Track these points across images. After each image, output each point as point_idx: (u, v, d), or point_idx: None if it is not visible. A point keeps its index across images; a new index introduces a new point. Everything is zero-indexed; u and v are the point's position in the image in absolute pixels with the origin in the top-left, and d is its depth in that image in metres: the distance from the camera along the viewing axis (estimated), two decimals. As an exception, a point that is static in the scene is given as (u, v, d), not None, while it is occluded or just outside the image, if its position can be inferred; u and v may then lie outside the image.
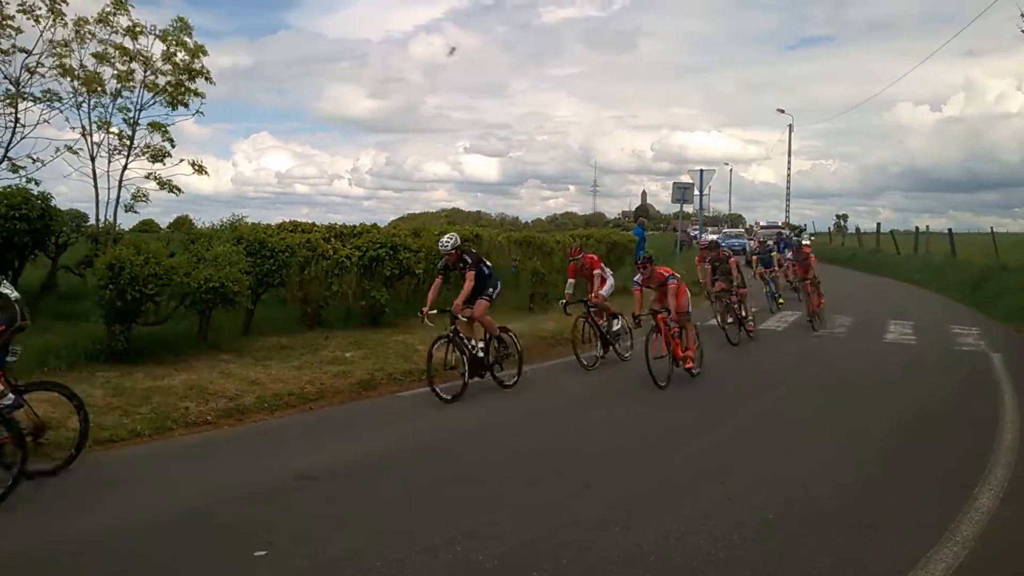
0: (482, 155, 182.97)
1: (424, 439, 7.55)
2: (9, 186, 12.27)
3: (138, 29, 13.06)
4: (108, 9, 12.75)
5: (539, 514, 5.50)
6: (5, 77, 12.07)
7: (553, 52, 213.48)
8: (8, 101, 12.03)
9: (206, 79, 13.84)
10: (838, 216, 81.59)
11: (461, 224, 24.40)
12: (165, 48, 13.33)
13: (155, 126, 13.60)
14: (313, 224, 14.92)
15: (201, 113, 13.97)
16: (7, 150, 12.02)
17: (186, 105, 13.83)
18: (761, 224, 46.30)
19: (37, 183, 12.64)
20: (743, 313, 13.77)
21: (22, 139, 12.14)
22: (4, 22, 11.70)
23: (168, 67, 13.49)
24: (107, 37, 12.93)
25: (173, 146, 13.81)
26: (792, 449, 7.26)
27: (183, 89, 13.64)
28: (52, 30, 12.30)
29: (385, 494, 5.98)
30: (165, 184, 13.95)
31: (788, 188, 55.90)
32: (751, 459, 6.92)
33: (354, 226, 15.76)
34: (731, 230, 55.26)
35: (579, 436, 7.70)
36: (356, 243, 13.78)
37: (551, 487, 6.11)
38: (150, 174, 13.74)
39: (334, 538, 5.09)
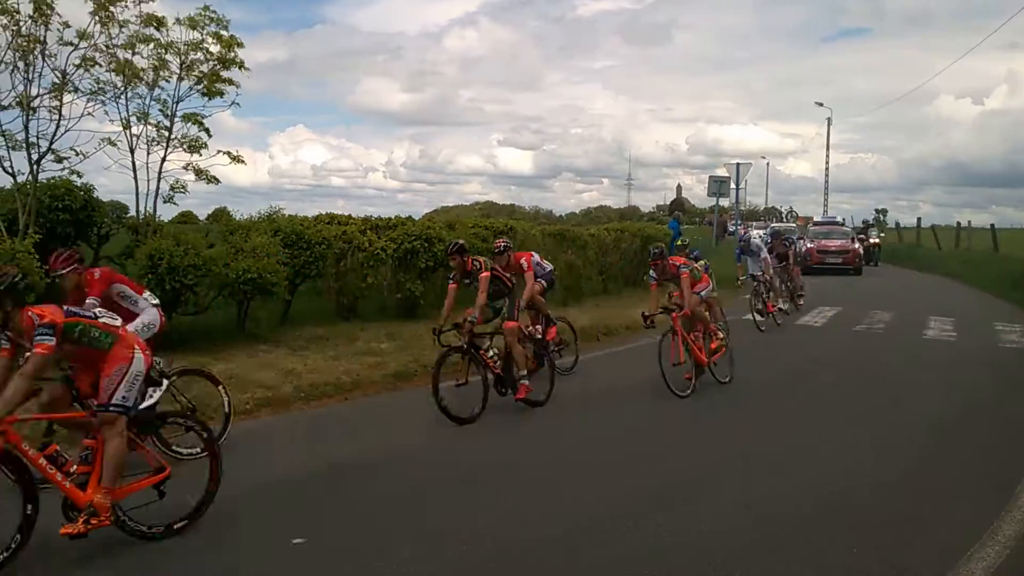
0: (516, 148, 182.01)
1: (457, 432, 7.57)
2: (53, 178, 12.51)
3: (158, 19, 13.14)
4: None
5: (566, 509, 5.52)
6: (52, 70, 12.24)
7: (587, 45, 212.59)
8: (53, 94, 12.21)
9: (240, 68, 13.90)
10: (877, 211, 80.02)
11: (495, 217, 24.40)
12: (196, 37, 13.42)
13: (190, 117, 13.71)
14: (349, 216, 15.02)
15: (237, 104, 14.04)
16: (51, 142, 12.22)
17: (221, 95, 13.92)
18: (816, 219, 39.85)
19: (80, 175, 12.84)
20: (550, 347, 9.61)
21: (66, 131, 12.32)
22: (48, 11, 11.86)
23: (199, 56, 13.58)
24: (138, 29, 13.05)
25: (209, 135, 13.91)
26: (829, 446, 7.17)
27: (217, 78, 13.73)
28: (100, 23, 12.46)
29: (419, 486, 6.02)
30: (202, 174, 14.08)
31: (826, 182, 54.77)
32: (787, 455, 6.86)
33: (389, 219, 15.85)
34: (779, 225, 49.95)
35: (600, 434, 7.68)
36: (391, 235, 13.87)
37: (582, 484, 6.13)
38: (188, 164, 13.87)
39: (368, 529, 5.15)
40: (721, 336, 9.86)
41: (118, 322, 5.15)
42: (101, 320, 4.96)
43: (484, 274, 8.12)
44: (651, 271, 9.42)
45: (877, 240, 34.58)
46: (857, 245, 29.04)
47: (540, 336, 9.64)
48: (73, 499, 4.66)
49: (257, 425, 7.65)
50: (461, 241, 8.58)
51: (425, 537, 5.00)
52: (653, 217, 70.08)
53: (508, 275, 8.70)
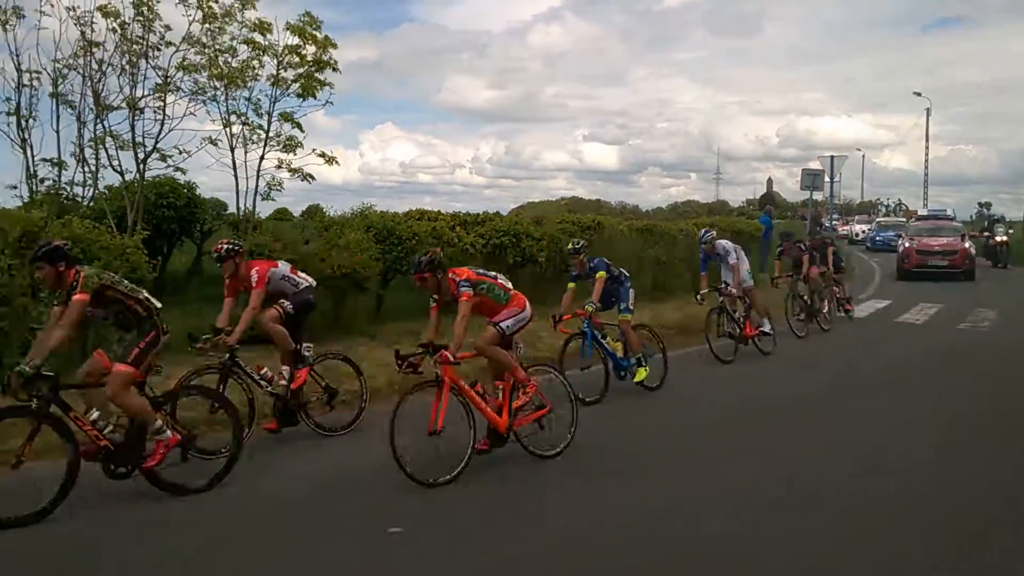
0: (601, 143, 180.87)
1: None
2: (158, 176, 13.04)
3: (265, 25, 13.53)
4: (235, 4, 13.26)
5: (668, 497, 5.44)
6: (157, 71, 12.74)
7: (673, 38, 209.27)
8: (157, 94, 12.70)
9: (333, 69, 14.20)
10: (980, 204, 76.07)
11: (582, 212, 24.33)
12: (296, 42, 13.77)
13: (285, 116, 14.08)
14: (439, 212, 15.21)
15: (331, 103, 14.35)
16: (156, 141, 12.72)
17: (315, 96, 14.24)
18: (920, 212, 35.21)
19: (184, 172, 13.33)
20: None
21: (169, 131, 12.81)
22: (152, 17, 12.36)
23: (296, 59, 13.92)
24: (238, 32, 13.45)
25: (303, 133, 14.26)
26: (925, 445, 6.90)
27: (312, 80, 14.05)
28: (199, 24, 12.91)
29: (510, 474, 6.11)
30: (297, 172, 14.45)
31: (926, 174, 52.66)
32: (882, 453, 6.61)
33: (477, 214, 15.98)
34: (887, 219, 45.41)
35: (702, 425, 7.55)
36: (479, 231, 13.97)
37: (712, 469, 6.03)
38: (281, 162, 14.25)
39: (463, 516, 5.26)
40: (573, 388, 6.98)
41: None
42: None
43: (79, 296, 5.30)
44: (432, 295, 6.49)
45: (1004, 238, 28.42)
46: (968, 244, 24.28)
47: (286, 383, 7.14)
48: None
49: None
50: (55, 242, 5.58)
51: (550, 519, 4.99)
52: (743, 212, 68.59)
53: (141, 297, 5.74)
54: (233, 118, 13.68)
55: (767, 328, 11.38)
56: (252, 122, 13.80)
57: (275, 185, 14.28)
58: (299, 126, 14.07)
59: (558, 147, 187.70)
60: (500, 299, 6.57)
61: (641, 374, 8.79)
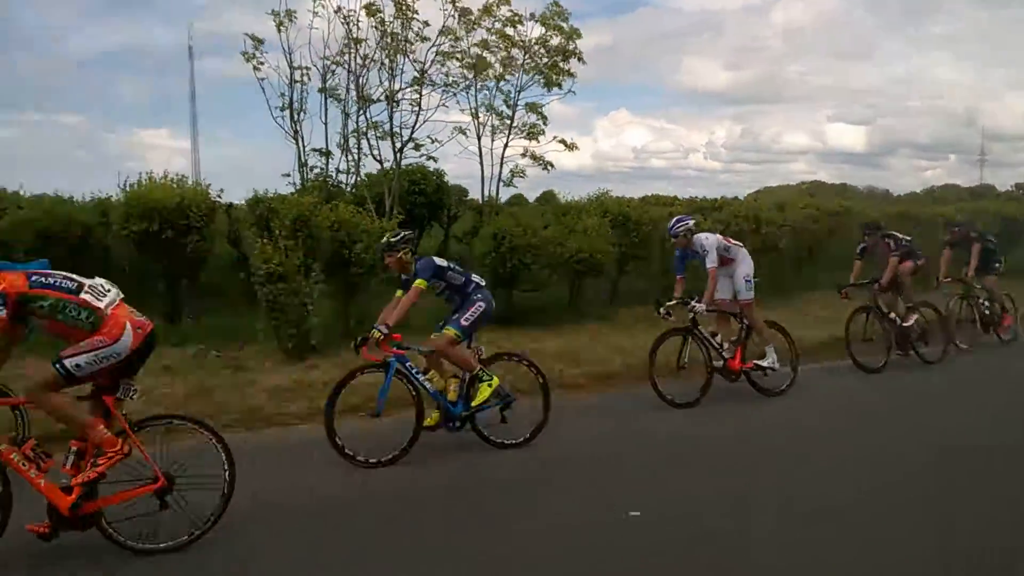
0: (846, 123, 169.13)
1: (770, 420, 7.38)
2: (411, 164, 13.98)
3: (517, 18, 14.02)
4: (492, 1, 13.84)
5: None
6: (413, 64, 13.61)
7: (928, 8, 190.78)
8: (414, 87, 13.59)
9: (579, 59, 14.49)
10: None
11: (824, 197, 22.97)
12: (543, 33, 14.18)
13: (531, 107, 14.56)
14: (675, 197, 15.11)
15: (573, 92, 14.66)
16: (412, 131, 13.60)
17: (559, 86, 14.60)
18: None
19: (435, 160, 14.19)
20: None
21: (424, 122, 13.65)
22: (412, 15, 13.21)
23: (543, 50, 14.33)
24: (491, 26, 14.04)
25: (546, 124, 14.68)
26: None
27: (557, 70, 14.42)
28: (453, 19, 13.65)
29: (737, 465, 5.99)
30: (539, 160, 14.92)
31: None
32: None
33: (714, 199, 15.63)
34: None
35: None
36: (717, 217, 13.67)
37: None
38: (525, 151, 14.74)
39: (687, 504, 5.19)
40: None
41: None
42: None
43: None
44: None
45: None
46: None
47: None
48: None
49: (588, 398, 8.04)
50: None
51: (787, 503, 4.91)
52: (1012, 196, 61.60)
53: None
54: (482, 109, 14.40)
55: (768, 361, 8.10)
56: (503, 112, 14.45)
57: (518, 172, 14.87)
58: (543, 116, 14.54)
59: (798, 128, 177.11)
60: (77, 323, 4.23)
61: (484, 392, 6.25)
